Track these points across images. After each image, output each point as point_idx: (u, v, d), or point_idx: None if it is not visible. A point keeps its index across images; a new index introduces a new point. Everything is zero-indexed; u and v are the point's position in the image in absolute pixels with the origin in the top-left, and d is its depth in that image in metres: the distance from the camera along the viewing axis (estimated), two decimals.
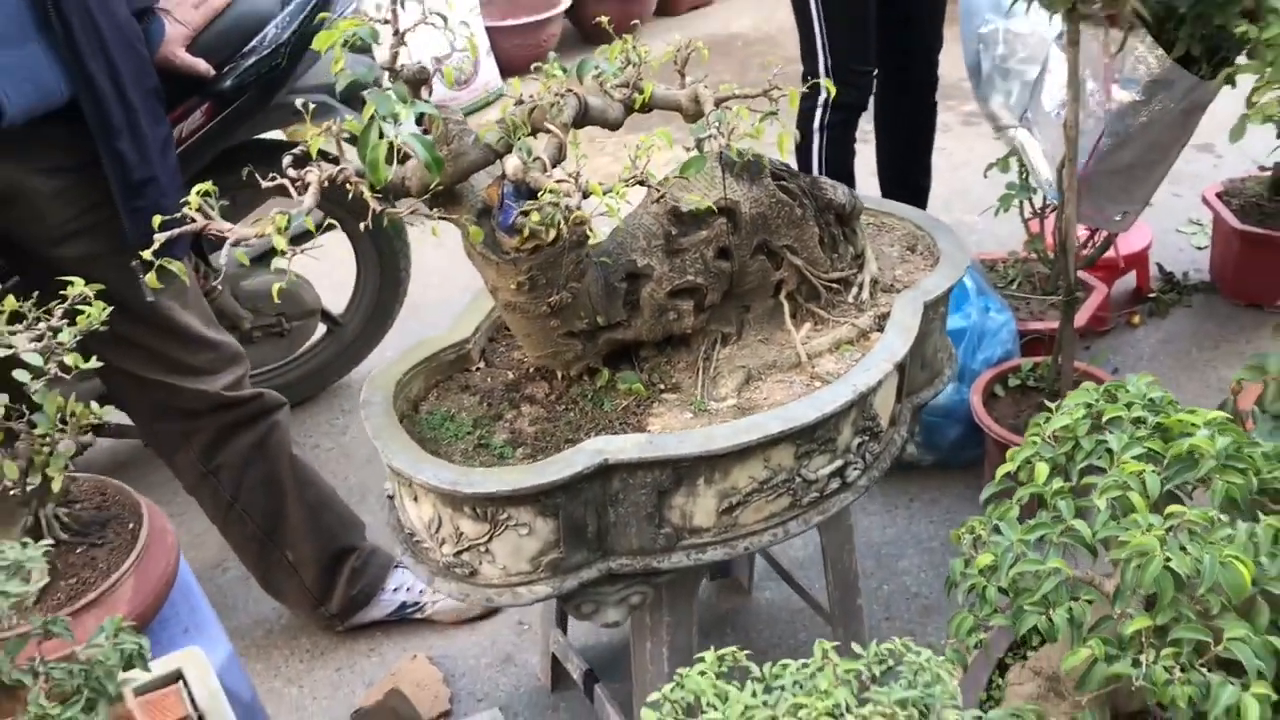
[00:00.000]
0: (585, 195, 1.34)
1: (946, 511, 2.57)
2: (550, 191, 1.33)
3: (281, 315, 2.72)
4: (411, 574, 2.32)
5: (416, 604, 2.32)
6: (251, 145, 2.44)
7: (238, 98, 2.20)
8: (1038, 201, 2.80)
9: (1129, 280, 3.24)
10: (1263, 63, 1.94)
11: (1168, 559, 1.18)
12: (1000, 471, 1.42)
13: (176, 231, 1.34)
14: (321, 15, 2.17)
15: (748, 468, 1.53)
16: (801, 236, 1.70)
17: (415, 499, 1.53)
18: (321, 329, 2.94)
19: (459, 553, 1.51)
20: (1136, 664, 1.18)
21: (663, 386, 1.65)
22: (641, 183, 1.40)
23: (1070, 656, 1.21)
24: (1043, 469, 1.38)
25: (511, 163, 1.41)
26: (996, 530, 1.35)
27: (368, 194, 1.34)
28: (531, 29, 4.97)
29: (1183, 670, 1.16)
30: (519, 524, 1.47)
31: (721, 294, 1.68)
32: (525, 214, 1.40)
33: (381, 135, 1.31)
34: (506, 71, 4.81)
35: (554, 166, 1.39)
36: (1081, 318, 2.70)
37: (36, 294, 1.43)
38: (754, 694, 1.08)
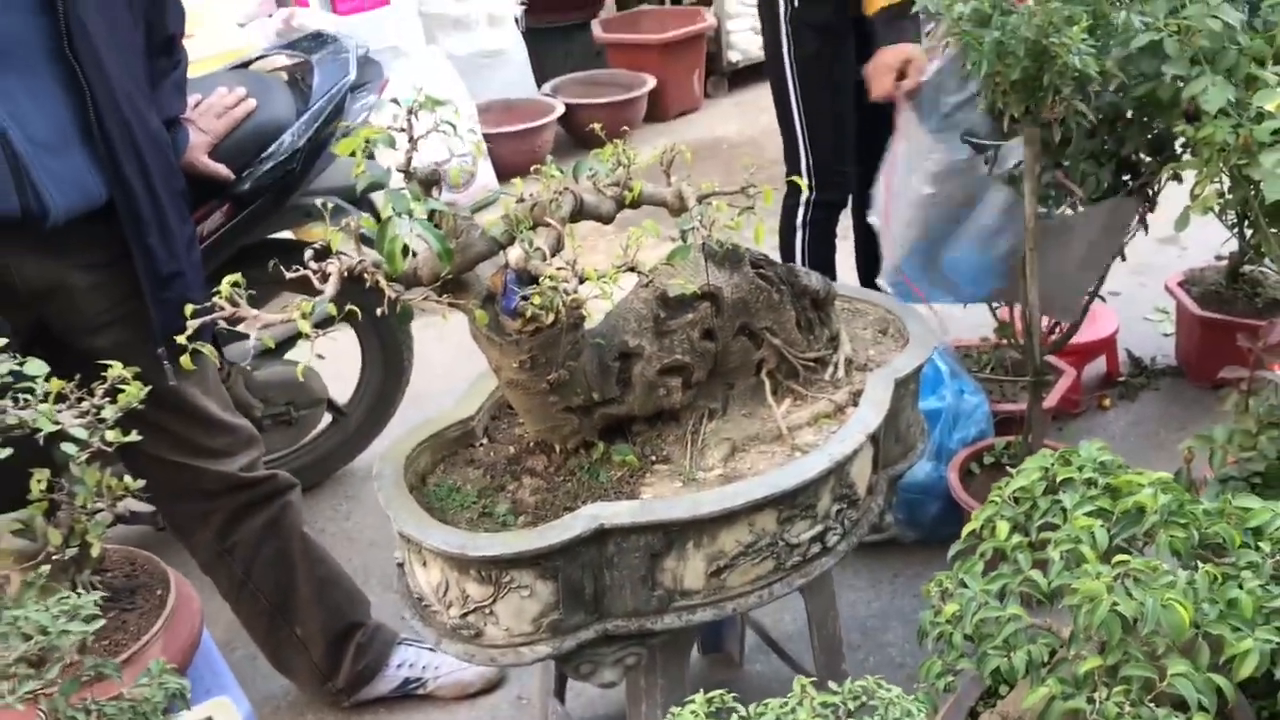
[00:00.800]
0: (581, 281, 1.48)
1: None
2: (550, 278, 1.47)
3: (290, 404, 2.84)
4: (414, 651, 2.43)
5: (419, 680, 2.40)
6: (265, 245, 2.59)
7: (255, 199, 2.36)
8: None
9: (1099, 365, 3.39)
10: (1201, 160, 2.11)
11: (1115, 603, 1.29)
12: (966, 530, 1.54)
13: (209, 319, 1.47)
14: (337, 123, 2.37)
15: (734, 532, 1.64)
16: (780, 319, 1.84)
17: (424, 564, 1.65)
18: (327, 418, 3.06)
19: (465, 614, 1.62)
20: (1091, 701, 1.29)
21: (654, 458, 1.78)
22: (632, 269, 1.54)
23: (1030, 695, 1.32)
24: (1003, 526, 1.50)
25: (514, 253, 1.56)
26: (962, 583, 1.47)
27: (384, 283, 1.49)
28: (526, 135, 5.20)
29: (1132, 706, 1.27)
30: (521, 586, 1.58)
31: (707, 372, 1.81)
32: (526, 299, 1.55)
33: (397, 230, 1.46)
34: (503, 175, 5.02)
35: (553, 256, 1.53)
36: (1051, 400, 2.84)
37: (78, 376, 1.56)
38: None
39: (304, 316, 1.44)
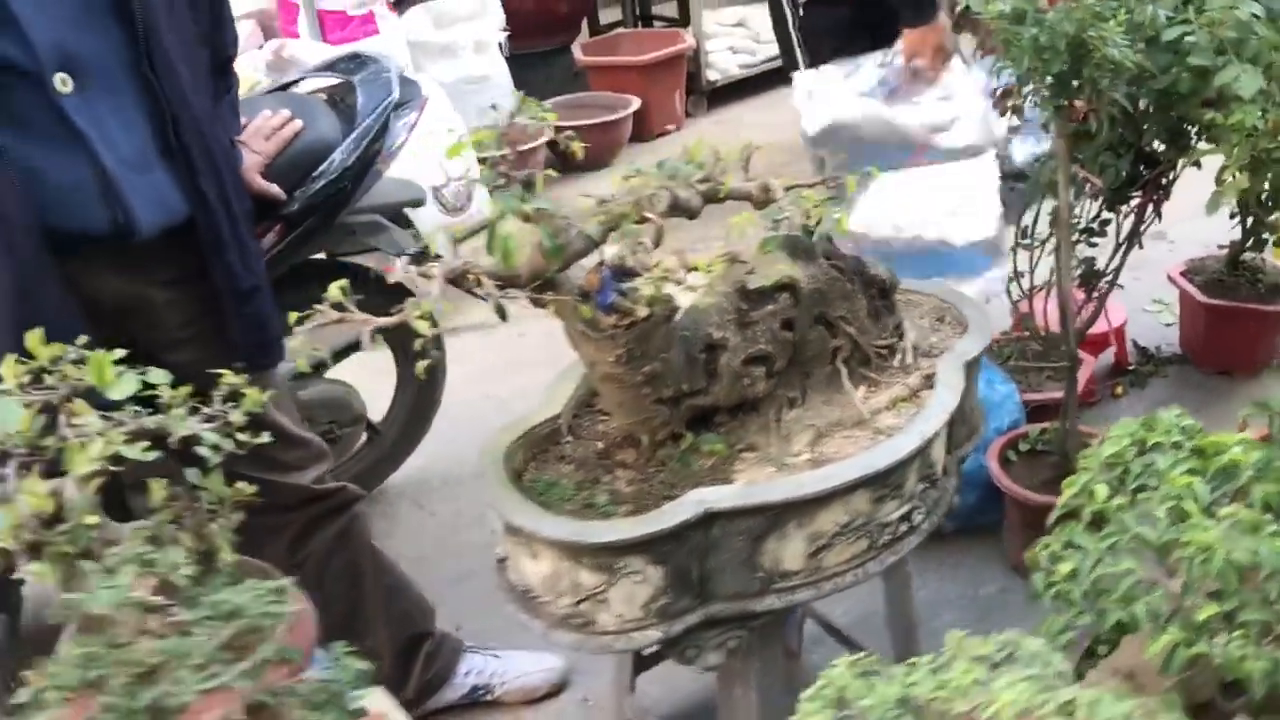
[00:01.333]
0: (691, 270, 1.53)
1: (971, 572, 2.74)
2: (661, 267, 1.52)
3: (333, 422, 2.86)
4: (480, 658, 2.45)
5: (486, 686, 2.43)
6: (310, 264, 2.61)
7: (306, 218, 2.39)
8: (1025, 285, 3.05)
9: (1108, 356, 3.50)
10: (1229, 145, 2.21)
11: (1229, 551, 1.36)
12: (1064, 497, 1.60)
13: (321, 322, 1.51)
14: (381, 142, 2.41)
15: (832, 512, 1.70)
16: (853, 308, 1.90)
17: (534, 556, 1.68)
18: (363, 437, 3.08)
19: (578, 603, 1.66)
20: (1211, 645, 1.35)
21: (740, 447, 1.83)
22: (735, 260, 1.60)
23: (1153, 644, 1.38)
24: (1101, 489, 1.57)
25: (611, 250, 1.61)
26: (1070, 545, 1.53)
27: (488, 283, 1.53)
28: (517, 158, 5.25)
29: (1254, 648, 1.34)
30: (633, 571, 1.62)
31: (786, 361, 1.87)
32: (624, 294, 1.60)
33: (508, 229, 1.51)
34: None
35: (655, 249, 1.59)
36: (1081, 384, 2.92)
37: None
38: (898, 683, 1.23)
39: (420, 318, 1.48)
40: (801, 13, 3.04)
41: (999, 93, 2.67)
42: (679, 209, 1.67)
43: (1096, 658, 1.66)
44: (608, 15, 6.79)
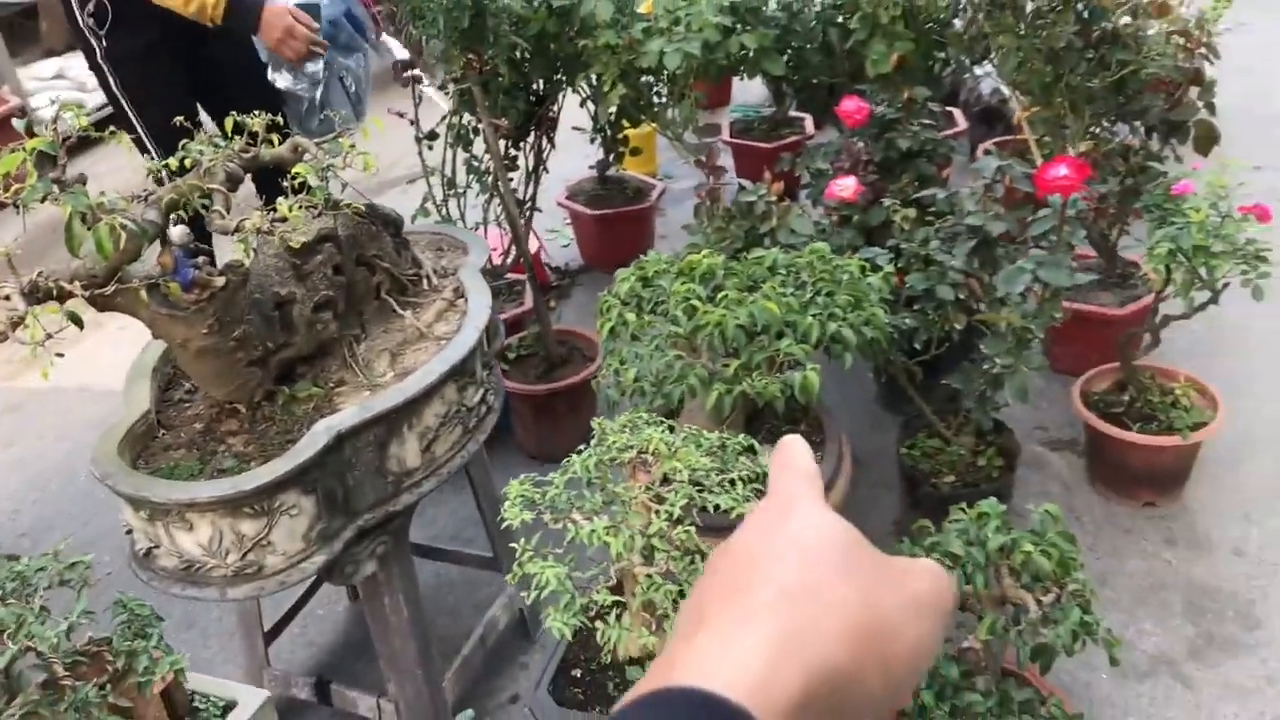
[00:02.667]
0: (282, 221, 1.72)
1: (499, 469, 3.14)
2: (247, 225, 1.69)
3: None
4: None
5: None
6: None
7: None
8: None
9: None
10: (601, 64, 2.78)
11: (736, 319, 1.89)
12: (604, 325, 2.04)
13: None
14: None
15: (432, 407, 1.98)
16: (382, 246, 2.18)
17: (190, 527, 1.77)
18: None
19: (245, 554, 1.78)
20: (744, 385, 1.87)
21: (332, 385, 2.04)
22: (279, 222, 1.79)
23: (708, 399, 1.87)
24: (631, 314, 2.03)
25: (178, 230, 1.75)
26: (622, 360, 1.98)
27: (74, 287, 1.60)
28: None
29: (767, 377, 1.88)
30: (290, 507, 1.78)
31: (344, 303, 2.10)
32: (198, 269, 1.74)
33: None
34: None
35: (229, 213, 1.75)
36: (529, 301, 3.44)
37: None
38: (570, 470, 1.58)
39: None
40: (105, 42, 3.06)
41: (398, 65, 3.05)
42: (231, 179, 1.84)
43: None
44: None
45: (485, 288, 2.23)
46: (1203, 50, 2.93)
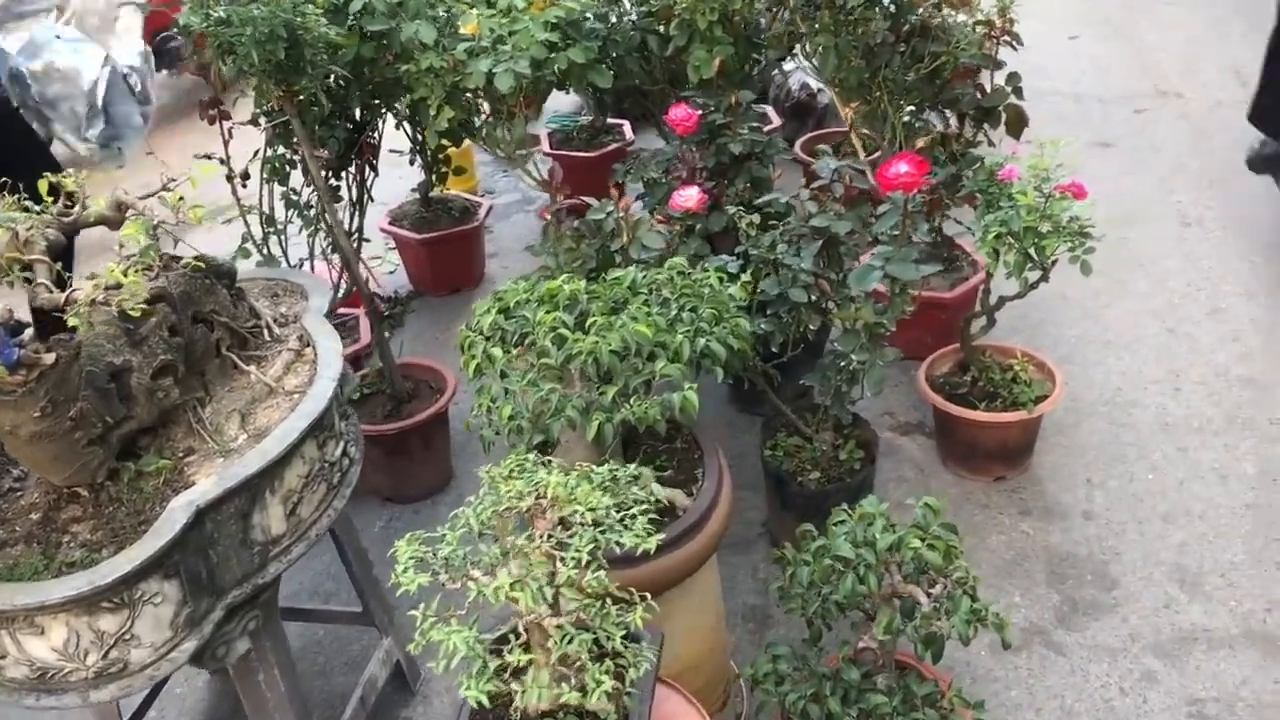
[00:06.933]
0: (113, 288, 1.58)
1: (363, 512, 3.02)
2: (81, 296, 1.55)
3: None
4: None
5: None
6: None
7: None
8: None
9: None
10: (427, 87, 2.69)
11: (609, 345, 1.84)
12: (468, 364, 1.96)
13: None
14: None
15: (294, 467, 1.87)
16: (218, 300, 2.04)
17: (42, 631, 1.61)
18: None
19: (107, 652, 1.63)
20: (623, 411, 1.83)
21: (180, 454, 1.89)
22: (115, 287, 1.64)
23: (589, 429, 1.81)
24: (496, 350, 1.96)
25: None
26: (494, 399, 1.91)
27: None
28: None
29: (643, 404, 1.84)
30: (153, 595, 1.65)
31: (184, 366, 1.96)
32: (22, 346, 1.59)
33: None
34: None
35: (57, 285, 1.60)
36: (366, 335, 3.31)
37: None
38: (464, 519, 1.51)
39: None
40: None
41: (209, 101, 2.88)
42: (54, 247, 1.68)
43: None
44: None
45: (333, 332, 2.12)
46: (1005, 37, 3.05)
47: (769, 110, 4.61)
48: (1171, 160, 4.58)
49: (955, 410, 2.78)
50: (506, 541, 1.44)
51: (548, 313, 1.96)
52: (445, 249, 3.95)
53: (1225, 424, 3.00)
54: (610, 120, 4.59)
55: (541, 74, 2.66)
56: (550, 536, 1.44)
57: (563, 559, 1.41)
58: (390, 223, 4.05)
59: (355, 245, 3.25)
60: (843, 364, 2.44)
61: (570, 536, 1.44)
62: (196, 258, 2.08)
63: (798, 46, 3.13)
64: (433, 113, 2.69)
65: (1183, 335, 3.41)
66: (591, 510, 1.44)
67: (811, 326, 2.40)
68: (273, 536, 1.85)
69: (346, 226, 3.19)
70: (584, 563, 1.38)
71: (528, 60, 2.55)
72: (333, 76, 2.60)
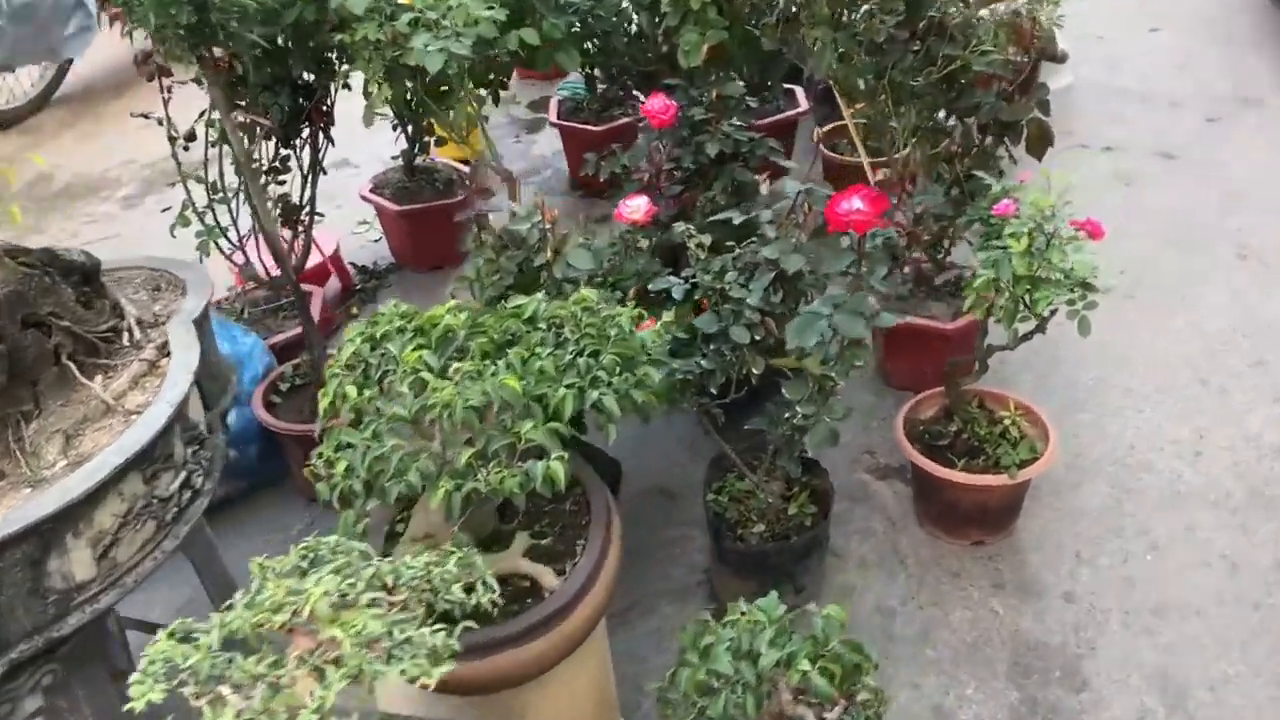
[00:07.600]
0: None
1: (277, 515, 2.80)
2: None
3: None
4: None
5: None
6: None
7: None
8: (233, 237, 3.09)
9: (334, 282, 3.69)
10: (364, 60, 2.41)
11: (467, 400, 1.57)
12: (322, 405, 1.71)
13: None
14: None
15: (108, 506, 1.63)
16: (60, 301, 1.80)
17: None
18: None
19: None
20: (477, 480, 1.56)
21: None
22: None
23: (434, 498, 1.55)
24: (351, 389, 1.70)
25: None
26: (340, 447, 1.65)
27: None
28: None
29: (508, 469, 1.57)
30: None
31: (7, 376, 1.73)
32: None
33: None
34: None
35: None
36: (316, 314, 3.07)
37: None
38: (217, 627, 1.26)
39: None
40: None
41: (141, 55, 2.63)
42: None
43: (399, 537, 1.83)
44: None
45: (194, 343, 1.88)
46: (1036, 43, 2.69)
47: (798, 92, 4.25)
48: (1238, 179, 4.14)
49: (931, 468, 2.46)
50: (250, 664, 1.18)
51: (414, 350, 1.69)
52: (426, 222, 3.69)
53: (1246, 501, 2.65)
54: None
55: (493, 54, 2.37)
56: (309, 657, 1.19)
57: (312, 694, 1.15)
58: (372, 190, 3.79)
59: (307, 220, 3.00)
60: (788, 416, 2.14)
61: (332, 664, 1.18)
62: (43, 250, 1.85)
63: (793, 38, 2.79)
64: (373, 90, 2.41)
65: (1215, 389, 3.04)
66: (357, 635, 1.18)
67: (755, 370, 2.10)
68: (76, 583, 1.62)
69: (298, 197, 2.95)
70: (328, 708, 1.12)
71: (471, 39, 2.25)
72: (258, 47, 2.33)
